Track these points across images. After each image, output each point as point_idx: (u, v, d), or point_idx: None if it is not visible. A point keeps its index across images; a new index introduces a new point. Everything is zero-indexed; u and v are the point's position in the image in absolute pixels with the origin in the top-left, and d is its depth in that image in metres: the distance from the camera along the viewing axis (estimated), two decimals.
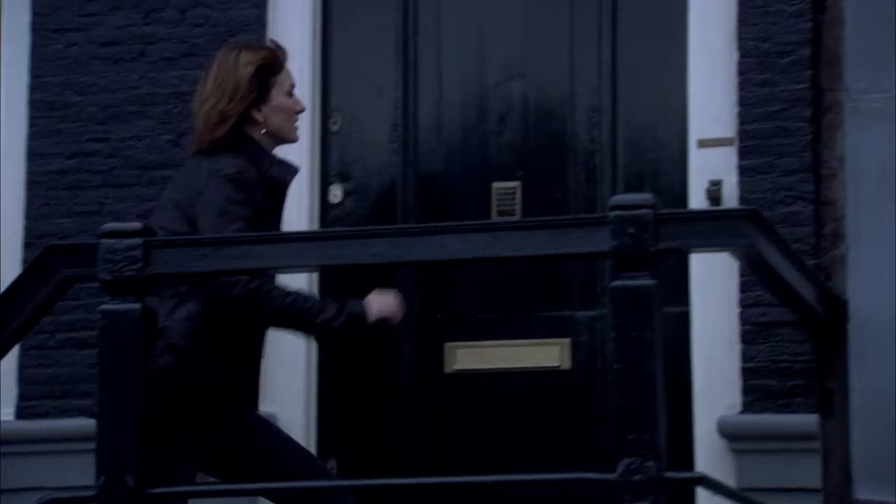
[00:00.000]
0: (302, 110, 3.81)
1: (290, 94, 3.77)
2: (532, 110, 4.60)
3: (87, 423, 3.45)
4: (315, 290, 4.68)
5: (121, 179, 4.72)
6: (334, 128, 4.76)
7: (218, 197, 3.59)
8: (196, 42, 4.74)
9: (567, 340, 4.48)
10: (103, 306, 3.29)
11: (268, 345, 4.56)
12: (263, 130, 3.72)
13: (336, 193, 4.72)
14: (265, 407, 4.54)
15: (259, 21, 4.71)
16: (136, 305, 3.28)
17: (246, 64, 3.70)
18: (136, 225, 3.35)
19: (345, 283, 4.02)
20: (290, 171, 3.76)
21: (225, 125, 3.67)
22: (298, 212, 4.61)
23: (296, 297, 3.57)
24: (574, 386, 4.47)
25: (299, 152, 4.65)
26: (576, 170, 4.57)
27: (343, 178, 4.73)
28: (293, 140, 3.81)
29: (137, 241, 3.30)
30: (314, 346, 4.64)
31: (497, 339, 4.54)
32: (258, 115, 3.71)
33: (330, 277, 4.53)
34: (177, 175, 3.81)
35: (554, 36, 4.61)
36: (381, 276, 4.16)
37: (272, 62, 3.75)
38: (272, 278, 3.63)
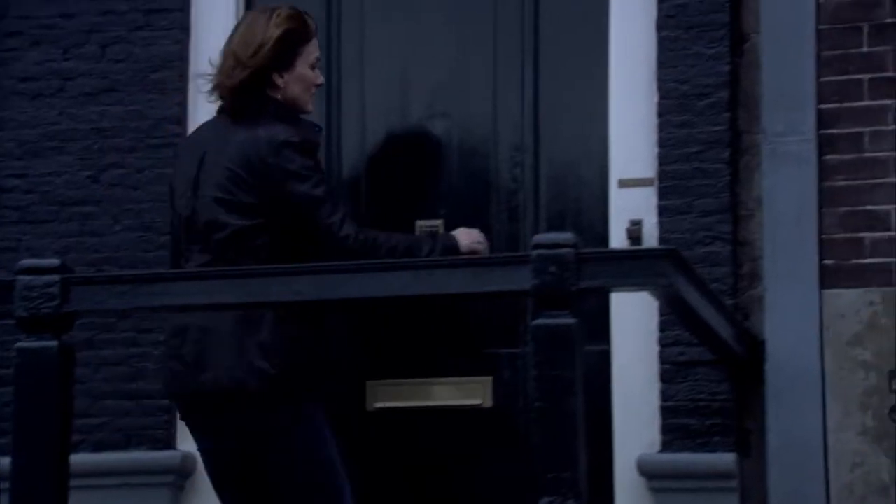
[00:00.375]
0: (321, 84, 3.89)
1: (313, 67, 3.83)
2: (455, 148, 4.62)
3: (3, 463, 3.40)
4: None
5: (39, 216, 4.68)
6: None
7: (293, 165, 3.65)
8: (116, 78, 4.71)
9: (489, 378, 4.49)
10: (19, 344, 3.25)
11: None
12: (280, 96, 3.76)
13: None
14: (180, 445, 4.52)
15: (181, 57, 4.70)
16: (53, 343, 3.25)
17: (276, 26, 3.75)
18: (54, 262, 3.32)
19: None
20: (319, 131, 3.86)
21: (239, 74, 3.71)
22: None
23: (397, 238, 3.73)
24: (496, 424, 4.47)
25: None
26: (499, 208, 4.59)
27: None
28: (308, 111, 3.86)
29: (55, 277, 3.27)
30: None
31: (419, 377, 4.54)
32: (279, 81, 3.75)
33: None
34: (211, 143, 3.75)
35: (477, 74, 4.63)
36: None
37: (302, 31, 3.81)
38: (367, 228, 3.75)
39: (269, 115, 3.73)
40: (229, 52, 3.77)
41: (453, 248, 3.77)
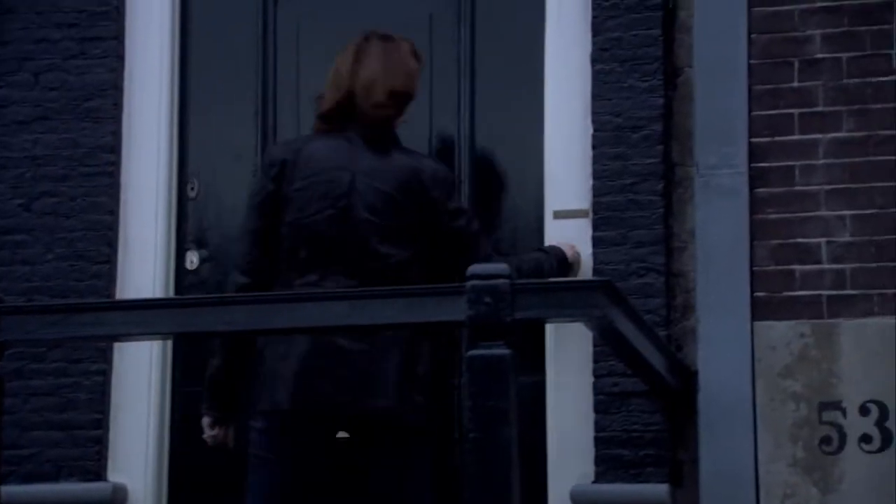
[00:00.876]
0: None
1: None
2: None
3: None
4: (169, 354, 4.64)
5: None
6: (192, 193, 4.72)
7: (456, 203, 3.80)
8: (50, 106, 4.69)
9: None
10: None
11: (113, 407, 4.53)
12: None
13: (192, 260, 4.68)
14: (111, 477, 4.48)
15: (115, 86, 4.68)
16: None
17: (416, 57, 3.87)
18: None
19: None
20: None
21: (391, 104, 3.78)
22: (154, 278, 4.57)
23: (520, 259, 3.94)
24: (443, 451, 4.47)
25: (155, 217, 4.63)
26: None
27: (200, 244, 4.70)
28: None
29: None
30: (166, 409, 4.58)
31: None
32: (403, 116, 3.87)
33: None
34: (358, 165, 3.74)
35: (413, 105, 4.65)
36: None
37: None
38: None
39: (397, 144, 3.81)
40: (378, 81, 3.78)
41: (563, 259, 4.12)
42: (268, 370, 3.68)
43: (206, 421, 3.85)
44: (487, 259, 3.70)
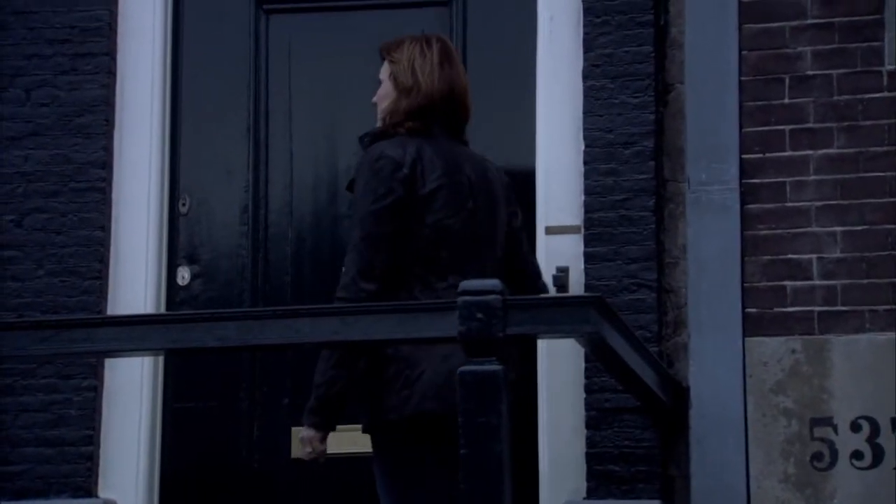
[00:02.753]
0: None
1: None
2: None
3: None
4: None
5: None
6: (183, 209, 4.72)
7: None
8: (41, 122, 4.68)
9: None
10: None
11: (104, 423, 4.52)
12: None
13: (184, 276, 4.67)
14: (102, 493, 4.47)
15: (106, 102, 4.68)
16: None
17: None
18: None
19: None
20: None
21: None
22: (145, 294, 4.56)
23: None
24: None
25: (146, 233, 4.63)
26: None
27: (191, 260, 4.69)
28: None
29: None
30: (157, 426, 4.57)
31: (343, 423, 4.52)
32: None
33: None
34: (466, 163, 3.74)
35: None
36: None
37: None
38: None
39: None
40: (463, 80, 3.77)
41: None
42: (426, 373, 3.52)
43: (311, 434, 3.57)
44: (538, 269, 3.85)
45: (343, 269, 3.59)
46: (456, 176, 3.66)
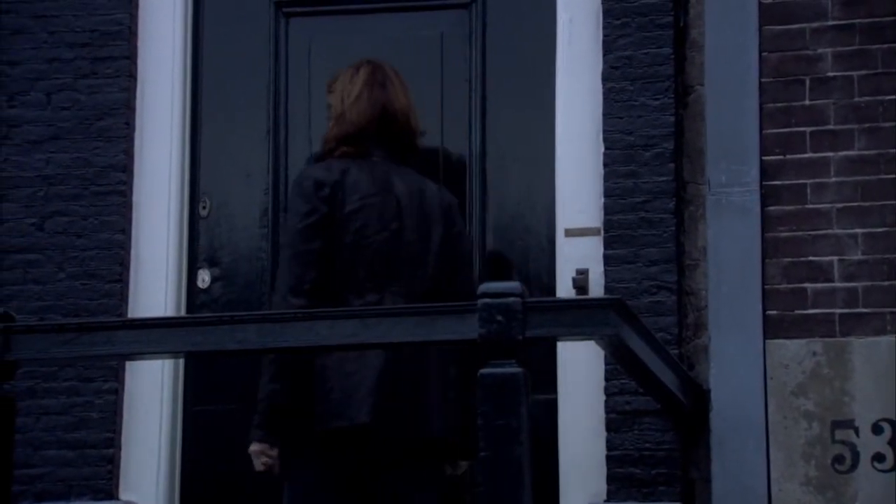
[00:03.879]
0: None
1: None
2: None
3: None
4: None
5: None
6: (203, 212, 4.73)
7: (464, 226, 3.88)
8: (62, 125, 4.70)
9: None
10: None
11: (125, 426, 4.52)
12: None
13: (204, 278, 4.68)
14: (123, 495, 4.48)
15: (127, 105, 4.69)
16: None
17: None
18: None
19: None
20: None
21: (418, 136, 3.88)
22: (165, 296, 4.57)
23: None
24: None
25: (167, 236, 4.64)
26: None
27: (212, 262, 4.70)
28: None
29: None
30: (178, 428, 4.58)
31: None
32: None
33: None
34: (399, 183, 3.78)
35: (425, 124, 4.65)
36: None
37: None
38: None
39: (414, 169, 3.85)
40: (399, 101, 3.84)
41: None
42: (335, 389, 3.61)
43: (261, 447, 3.68)
44: (470, 283, 3.73)
45: (274, 287, 3.73)
46: (381, 196, 3.73)
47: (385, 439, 3.59)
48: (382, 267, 3.68)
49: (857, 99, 4.27)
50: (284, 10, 4.81)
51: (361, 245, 3.68)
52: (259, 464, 3.67)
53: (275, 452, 3.66)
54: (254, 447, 3.67)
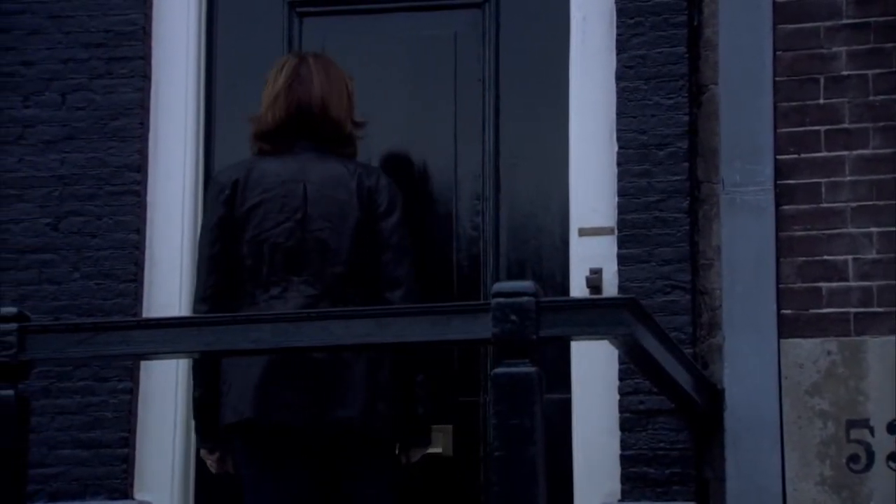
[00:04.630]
0: None
1: None
2: (417, 199, 4.63)
3: None
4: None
5: None
6: None
7: (398, 211, 3.81)
8: (77, 125, 4.71)
9: (449, 427, 4.48)
10: None
11: (140, 425, 4.53)
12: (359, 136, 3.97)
13: None
14: (138, 495, 4.49)
15: (141, 105, 4.70)
16: (10, 392, 3.21)
17: (348, 77, 3.97)
18: (12, 310, 3.30)
19: None
20: None
21: (350, 126, 3.92)
22: (180, 296, 4.58)
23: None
24: (456, 473, 4.46)
25: (181, 236, 4.64)
26: (459, 257, 4.60)
27: None
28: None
29: (12, 326, 3.25)
30: (190, 426, 4.59)
31: None
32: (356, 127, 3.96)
33: None
34: (310, 175, 3.79)
35: (439, 124, 4.66)
36: None
37: None
38: None
39: (347, 157, 3.88)
40: (315, 93, 3.88)
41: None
42: (232, 385, 3.71)
43: (202, 452, 3.90)
44: (394, 280, 3.74)
45: None
46: (285, 188, 3.77)
47: (286, 430, 3.62)
48: (284, 258, 3.71)
49: (871, 98, 4.26)
50: (298, 9, 4.81)
51: (261, 239, 3.75)
52: (210, 466, 3.85)
53: (215, 456, 3.83)
54: (200, 451, 3.88)
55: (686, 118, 4.36)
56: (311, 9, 4.81)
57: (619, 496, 4.24)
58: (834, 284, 4.20)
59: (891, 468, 4.07)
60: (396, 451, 3.88)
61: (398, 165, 4.67)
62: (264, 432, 3.68)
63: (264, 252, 3.74)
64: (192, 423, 4.51)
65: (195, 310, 3.79)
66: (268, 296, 3.70)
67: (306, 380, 3.62)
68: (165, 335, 3.34)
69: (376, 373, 3.67)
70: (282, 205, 3.76)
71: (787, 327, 4.20)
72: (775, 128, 4.30)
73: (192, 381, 3.91)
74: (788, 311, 4.21)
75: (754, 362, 4.19)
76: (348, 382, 3.63)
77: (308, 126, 3.86)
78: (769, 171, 4.28)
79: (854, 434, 4.11)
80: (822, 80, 4.30)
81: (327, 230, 3.74)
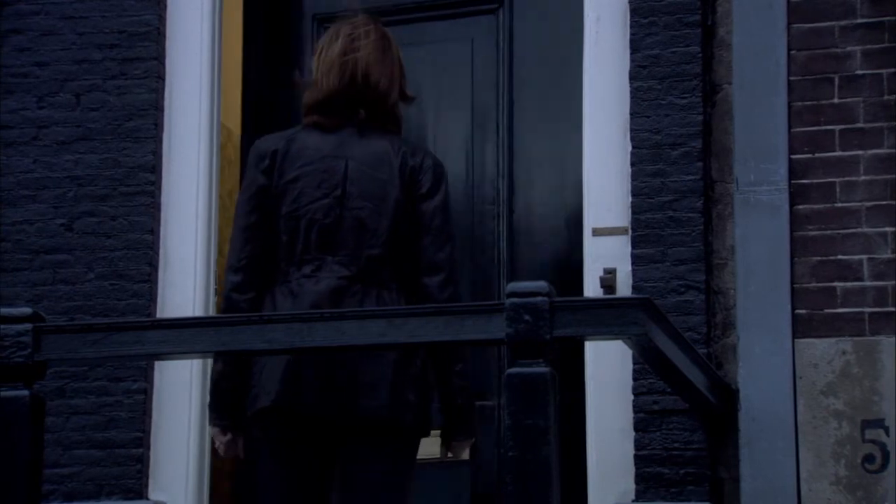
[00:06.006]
0: None
1: None
2: None
3: None
4: None
5: (11, 264, 4.66)
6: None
7: (441, 193, 3.65)
8: (91, 126, 4.72)
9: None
10: None
11: (154, 425, 4.53)
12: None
13: None
14: (152, 495, 4.50)
15: (155, 105, 4.71)
16: (25, 392, 3.22)
17: (397, 48, 3.76)
18: (26, 310, 3.30)
19: None
20: None
21: (397, 101, 3.72)
22: (194, 296, 4.59)
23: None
24: (478, 477, 4.46)
25: (195, 236, 4.65)
26: (474, 257, 4.60)
27: None
28: None
29: (27, 326, 3.25)
30: (206, 429, 4.60)
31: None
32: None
33: None
34: (352, 152, 3.66)
35: (454, 128, 4.66)
36: None
37: None
38: None
39: (393, 135, 3.72)
40: (391, 82, 3.72)
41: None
42: (264, 370, 3.58)
43: (213, 431, 3.71)
44: (434, 265, 3.61)
45: None
46: (326, 163, 3.63)
47: (315, 417, 3.53)
48: (319, 236, 3.60)
49: (886, 97, 4.25)
50: (315, 15, 4.82)
51: (297, 215, 3.62)
52: (218, 447, 3.67)
53: (226, 437, 3.64)
54: (210, 430, 3.69)
55: (700, 118, 4.35)
56: (328, 13, 4.80)
57: (633, 496, 4.23)
58: (848, 284, 4.19)
59: None
60: (420, 444, 3.71)
61: None
62: (295, 419, 3.55)
63: (300, 228, 3.60)
64: (207, 423, 4.53)
65: (228, 280, 3.62)
66: (300, 274, 3.58)
67: (336, 368, 3.55)
68: (180, 335, 3.34)
69: (408, 362, 3.59)
70: (321, 180, 3.62)
71: (801, 327, 4.19)
72: (789, 127, 4.30)
73: (212, 364, 3.74)
74: (803, 311, 4.20)
75: (769, 362, 4.18)
76: (378, 372, 3.55)
77: (359, 99, 3.68)
78: (783, 170, 4.27)
79: (869, 434, 4.10)
80: (836, 80, 4.29)
81: (367, 209, 3.60)
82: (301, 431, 3.56)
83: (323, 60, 3.71)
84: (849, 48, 4.29)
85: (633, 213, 4.34)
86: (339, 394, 3.51)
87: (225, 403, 3.63)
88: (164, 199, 4.69)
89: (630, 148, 4.39)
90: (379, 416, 3.53)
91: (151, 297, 4.59)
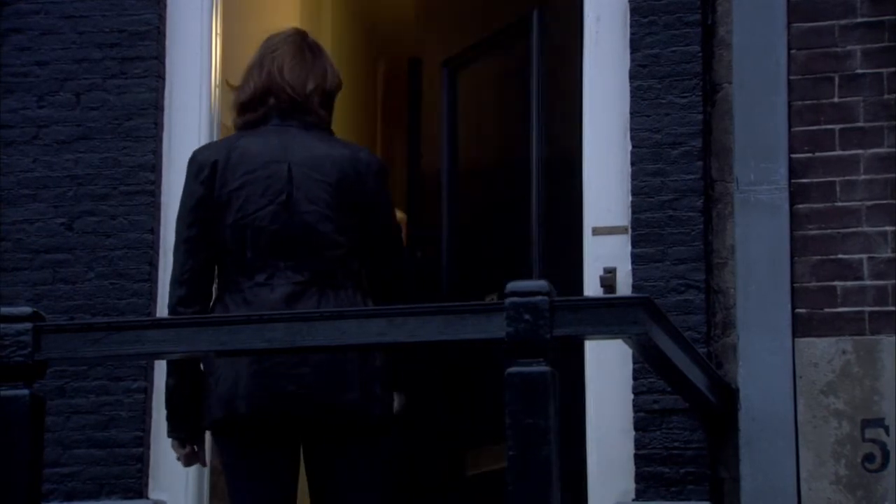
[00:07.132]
0: None
1: None
2: None
3: None
4: None
5: (11, 263, 4.66)
6: None
7: (389, 193, 3.72)
8: (91, 125, 4.71)
9: None
10: None
11: (154, 425, 4.53)
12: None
13: None
14: (153, 494, 4.50)
15: (155, 105, 4.70)
16: (25, 392, 3.22)
17: (329, 56, 3.81)
18: (26, 310, 3.31)
19: None
20: None
21: (330, 106, 3.78)
22: None
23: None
24: None
25: None
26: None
27: None
28: None
29: (27, 325, 3.26)
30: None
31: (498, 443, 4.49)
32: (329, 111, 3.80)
33: None
34: (294, 155, 3.67)
35: None
36: None
37: None
38: None
39: (332, 136, 3.76)
40: (325, 80, 3.77)
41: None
42: (220, 379, 3.60)
43: (172, 444, 3.75)
44: (386, 263, 3.69)
45: None
46: (269, 169, 3.63)
47: (290, 417, 3.55)
48: (269, 243, 3.60)
49: (886, 96, 4.25)
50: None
51: (244, 223, 3.62)
52: (178, 459, 3.74)
53: (185, 450, 3.70)
54: (170, 443, 3.77)
55: (700, 117, 4.35)
56: None
57: (633, 495, 4.23)
58: (849, 283, 4.19)
59: None
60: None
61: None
62: (268, 422, 3.58)
63: (247, 237, 3.60)
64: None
65: (172, 293, 3.65)
66: (252, 283, 3.59)
67: (301, 367, 3.56)
68: (179, 335, 3.34)
69: (370, 355, 3.59)
70: (265, 187, 3.61)
71: (801, 326, 4.19)
72: (790, 126, 4.30)
73: (168, 368, 3.75)
74: (803, 310, 4.20)
75: (769, 361, 4.18)
76: (345, 367, 3.56)
77: (277, 88, 3.71)
78: (783, 169, 4.27)
79: (869, 433, 4.10)
80: (836, 79, 4.29)
81: (314, 213, 3.60)
82: (272, 434, 3.58)
83: (248, 67, 3.78)
84: (849, 47, 4.29)
85: (633, 212, 4.34)
86: (313, 391, 3.53)
87: (180, 416, 3.69)
88: (164, 198, 4.68)
89: (630, 147, 4.39)
90: (354, 411, 3.55)
91: (151, 296, 4.58)
